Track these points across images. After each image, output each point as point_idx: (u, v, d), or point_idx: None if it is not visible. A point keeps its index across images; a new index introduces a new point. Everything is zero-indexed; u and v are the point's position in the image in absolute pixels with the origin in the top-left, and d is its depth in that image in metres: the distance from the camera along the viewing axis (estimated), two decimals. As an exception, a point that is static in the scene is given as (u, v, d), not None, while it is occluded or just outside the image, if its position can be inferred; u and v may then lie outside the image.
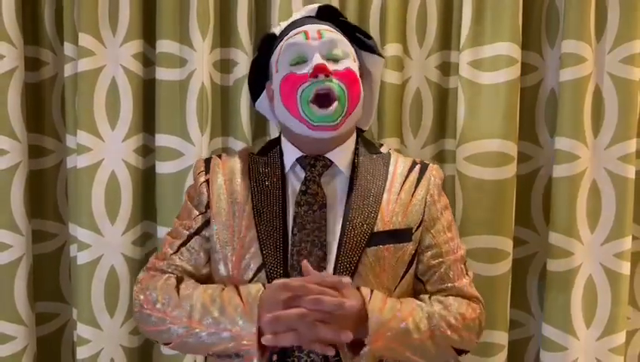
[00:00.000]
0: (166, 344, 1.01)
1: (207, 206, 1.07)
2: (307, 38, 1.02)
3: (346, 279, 0.93)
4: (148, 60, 1.50)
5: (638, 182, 1.43)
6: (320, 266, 0.98)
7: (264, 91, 1.15)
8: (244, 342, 0.92)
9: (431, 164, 1.13)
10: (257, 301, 0.93)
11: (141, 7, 1.47)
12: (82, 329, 1.47)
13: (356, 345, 0.93)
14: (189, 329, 0.96)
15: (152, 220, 1.52)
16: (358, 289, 0.96)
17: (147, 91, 1.50)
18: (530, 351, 1.58)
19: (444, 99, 1.52)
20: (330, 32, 1.04)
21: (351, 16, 1.50)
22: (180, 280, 1.03)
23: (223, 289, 0.99)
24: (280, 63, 1.04)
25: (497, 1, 1.40)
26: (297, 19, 1.10)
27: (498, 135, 1.41)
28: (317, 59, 0.99)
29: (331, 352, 0.90)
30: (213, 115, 1.50)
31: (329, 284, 0.92)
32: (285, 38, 1.06)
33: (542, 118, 1.51)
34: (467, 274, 1.09)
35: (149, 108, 1.49)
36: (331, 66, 1.01)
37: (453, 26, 1.50)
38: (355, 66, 1.05)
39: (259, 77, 1.14)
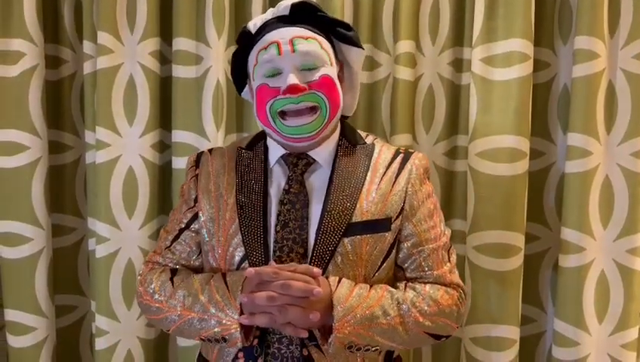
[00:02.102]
0: (167, 330, 1.07)
1: (196, 200, 1.12)
2: (280, 52, 1.01)
3: (316, 269, 0.97)
4: (165, 58, 1.53)
5: (651, 179, 1.42)
6: (301, 263, 1.01)
7: (247, 84, 1.16)
8: (229, 327, 0.98)
9: (415, 152, 1.12)
10: (240, 287, 0.98)
11: (158, 6, 1.50)
12: (100, 321, 1.50)
13: (327, 332, 0.98)
14: (182, 317, 1.02)
15: (169, 214, 1.54)
16: (327, 278, 0.99)
17: (164, 88, 1.53)
18: (542, 346, 1.58)
19: (456, 95, 1.53)
20: (302, 42, 1.02)
21: (364, 14, 1.52)
22: (174, 272, 1.09)
23: (213, 276, 1.05)
24: (256, 73, 1.05)
25: (510, -3, 1.40)
26: (270, 21, 1.07)
27: (510, 131, 1.41)
28: (290, 78, 1.00)
29: (305, 335, 0.95)
30: (229, 111, 1.53)
31: (300, 271, 0.96)
32: (259, 43, 1.05)
33: (554, 114, 1.51)
34: (449, 261, 1.09)
35: (166, 105, 1.52)
36: (306, 77, 1.01)
37: (465, 23, 1.50)
38: (331, 70, 1.04)
39: (240, 69, 1.15)
